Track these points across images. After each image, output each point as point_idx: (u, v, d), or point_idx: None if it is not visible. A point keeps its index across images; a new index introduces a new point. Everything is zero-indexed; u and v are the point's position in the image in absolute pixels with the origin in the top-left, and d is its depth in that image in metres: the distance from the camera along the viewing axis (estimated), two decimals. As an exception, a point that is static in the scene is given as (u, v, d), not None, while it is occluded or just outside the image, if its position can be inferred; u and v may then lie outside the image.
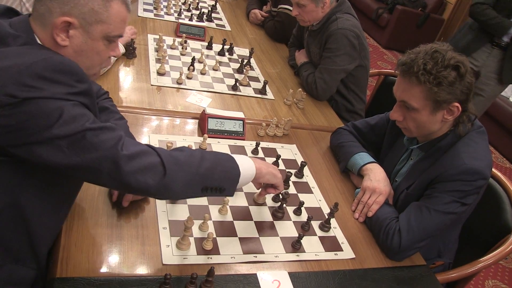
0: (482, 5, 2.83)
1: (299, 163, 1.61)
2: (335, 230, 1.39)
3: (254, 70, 2.26)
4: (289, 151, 1.71)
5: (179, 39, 2.26)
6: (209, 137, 1.59)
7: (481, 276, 2.72)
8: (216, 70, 2.13)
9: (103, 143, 0.90)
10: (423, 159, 1.47)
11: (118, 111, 1.35)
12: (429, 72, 1.27)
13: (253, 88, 2.08)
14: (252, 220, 1.33)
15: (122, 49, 1.93)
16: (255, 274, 1.15)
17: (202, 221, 1.23)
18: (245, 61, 2.23)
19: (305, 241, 1.30)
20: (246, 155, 1.59)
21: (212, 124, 1.64)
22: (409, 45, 1.55)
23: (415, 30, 5.70)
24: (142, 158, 0.95)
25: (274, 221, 1.35)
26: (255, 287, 1.12)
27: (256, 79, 2.17)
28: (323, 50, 2.16)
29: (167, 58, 2.06)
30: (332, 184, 1.60)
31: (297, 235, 1.29)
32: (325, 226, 1.37)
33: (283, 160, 1.63)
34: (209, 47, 2.32)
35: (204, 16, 2.67)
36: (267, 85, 2.09)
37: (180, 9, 2.64)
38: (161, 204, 1.27)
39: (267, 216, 1.36)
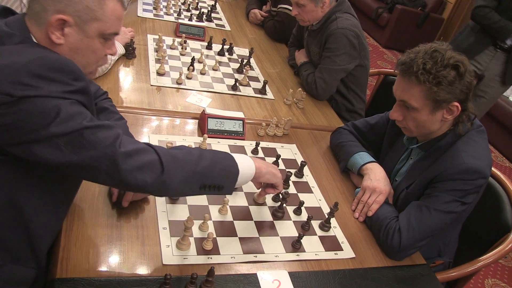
0: (484, 8, 2.81)
1: (299, 163, 1.61)
2: (335, 230, 1.39)
3: (254, 70, 2.26)
4: (289, 151, 1.71)
5: (179, 39, 2.26)
6: (209, 137, 1.59)
7: (481, 275, 2.72)
8: (216, 70, 2.13)
9: (101, 141, 0.90)
10: (423, 158, 1.47)
11: (118, 111, 1.35)
12: (428, 72, 1.27)
13: (253, 88, 2.08)
14: (252, 220, 1.33)
15: (122, 50, 1.93)
16: (255, 274, 1.15)
17: (202, 221, 1.23)
18: (245, 61, 2.23)
19: (305, 240, 1.30)
20: (246, 155, 1.59)
21: (212, 124, 1.64)
22: (409, 44, 1.55)
23: (415, 29, 5.70)
24: (140, 155, 0.95)
25: (274, 221, 1.35)
26: (255, 287, 1.12)
27: (256, 79, 2.17)
28: (323, 49, 2.16)
29: (166, 58, 2.06)
30: (332, 184, 1.60)
31: (297, 234, 1.29)
32: (325, 225, 1.37)
33: (283, 160, 1.63)
34: (209, 47, 2.32)
35: (204, 16, 2.67)
36: (267, 85, 2.09)
37: (180, 9, 2.64)
38: (161, 204, 1.27)
39: (267, 216, 1.36)
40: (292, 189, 1.50)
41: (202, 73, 2.05)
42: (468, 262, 1.48)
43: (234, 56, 2.33)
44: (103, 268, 1.05)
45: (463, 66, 1.28)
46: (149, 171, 0.95)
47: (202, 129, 1.64)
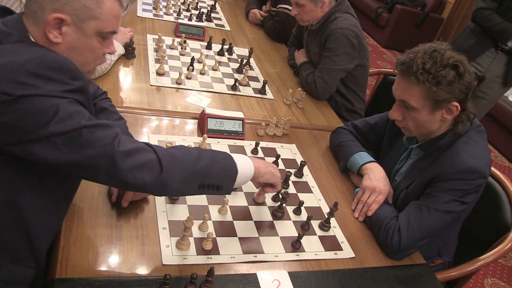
0: (486, 10, 2.79)
1: (299, 163, 1.61)
2: (335, 230, 1.39)
3: (253, 70, 2.26)
4: (288, 151, 1.71)
5: (178, 39, 2.26)
6: (208, 137, 1.59)
7: (480, 274, 2.72)
8: (216, 70, 2.13)
9: (100, 140, 0.90)
10: (422, 158, 1.47)
11: (117, 111, 1.35)
12: (428, 72, 1.27)
13: (253, 88, 2.08)
14: (251, 220, 1.33)
15: (121, 50, 1.93)
16: (255, 274, 1.15)
17: (202, 221, 1.23)
18: (245, 61, 2.23)
19: (305, 240, 1.30)
20: (246, 155, 1.59)
21: (211, 124, 1.64)
22: (409, 44, 1.55)
23: (414, 29, 5.70)
24: (139, 155, 0.95)
25: (274, 221, 1.35)
26: (255, 287, 1.12)
27: (255, 79, 2.17)
28: (323, 49, 2.16)
29: (166, 58, 2.06)
30: (332, 184, 1.60)
31: (297, 234, 1.29)
32: (325, 225, 1.38)
33: (283, 159, 1.63)
34: (209, 47, 2.32)
35: (203, 16, 2.67)
36: (266, 85, 2.09)
37: (179, 9, 2.64)
38: (160, 205, 1.27)
39: (267, 216, 1.36)
40: (291, 189, 1.50)
41: (202, 73, 2.05)
42: (467, 262, 1.49)
43: (234, 56, 2.33)
44: (103, 268, 1.05)
45: (462, 66, 1.28)
46: (148, 171, 0.95)
47: (202, 129, 1.64)
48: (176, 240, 1.16)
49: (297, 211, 1.40)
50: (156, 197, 1.28)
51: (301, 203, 1.40)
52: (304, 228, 1.35)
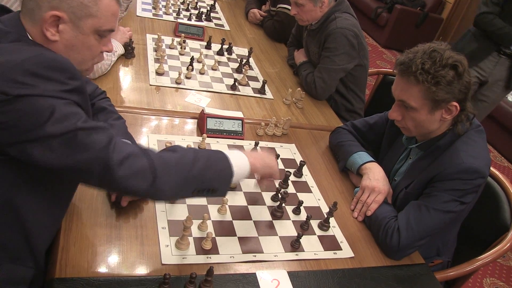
0: (488, 14, 2.78)
1: (298, 163, 1.61)
2: (334, 229, 1.39)
3: (253, 69, 2.26)
4: (288, 151, 1.71)
5: (178, 39, 2.26)
6: (208, 136, 1.59)
7: (479, 274, 2.72)
8: (215, 69, 2.13)
9: (94, 144, 0.89)
10: (422, 158, 1.47)
11: (116, 111, 1.35)
12: (427, 72, 1.27)
13: (252, 88, 2.08)
14: (251, 219, 1.33)
15: (121, 50, 1.93)
16: (255, 273, 1.15)
17: (201, 220, 1.23)
18: (244, 60, 2.23)
19: (304, 240, 1.30)
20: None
21: (211, 123, 1.64)
22: (408, 44, 1.55)
23: (414, 29, 5.70)
24: (133, 162, 0.93)
25: (273, 221, 1.35)
26: (254, 286, 1.12)
27: (255, 79, 2.17)
28: (322, 49, 2.16)
29: (166, 58, 2.06)
30: (331, 183, 1.61)
31: (296, 234, 1.29)
32: (324, 225, 1.38)
33: (282, 159, 1.63)
34: (208, 46, 2.32)
35: (203, 15, 2.67)
36: (266, 85, 2.09)
37: (179, 9, 2.64)
38: (160, 204, 1.27)
39: (266, 216, 1.36)
40: (291, 189, 1.50)
41: (201, 72, 2.05)
42: (466, 262, 1.49)
43: (233, 56, 2.33)
44: (102, 268, 1.05)
45: (461, 66, 1.28)
46: (142, 178, 0.94)
47: (201, 129, 1.64)
48: (176, 240, 1.16)
49: (297, 211, 1.40)
50: (155, 196, 1.28)
51: (301, 202, 1.40)
52: (304, 227, 1.35)
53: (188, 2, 2.77)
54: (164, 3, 2.65)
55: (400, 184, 1.50)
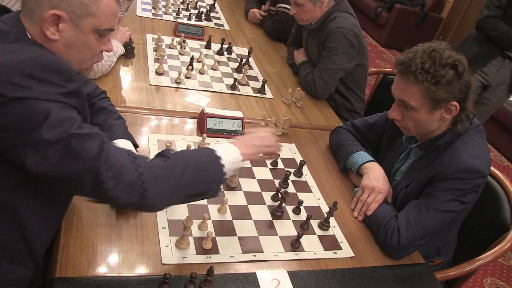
0: (491, 18, 2.75)
1: (298, 162, 1.61)
2: (334, 229, 1.39)
3: (253, 69, 2.26)
4: (288, 150, 1.71)
5: (178, 39, 2.26)
6: (208, 136, 1.59)
7: (480, 274, 2.72)
8: (215, 69, 2.13)
9: (87, 153, 0.87)
10: (422, 157, 1.47)
11: (116, 110, 1.35)
12: (427, 71, 1.27)
13: (252, 88, 2.08)
14: (251, 219, 1.33)
15: (121, 49, 1.92)
16: (255, 273, 1.15)
17: (201, 220, 1.23)
18: (244, 60, 2.23)
19: (304, 240, 1.30)
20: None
21: (211, 123, 1.64)
22: (408, 43, 1.55)
23: (413, 28, 5.70)
24: (123, 175, 0.91)
25: (273, 220, 1.35)
26: (254, 286, 1.12)
27: (255, 79, 2.17)
28: (322, 49, 2.16)
29: (165, 57, 2.06)
30: (331, 183, 1.61)
31: (296, 234, 1.29)
32: (324, 225, 1.38)
33: (282, 159, 1.63)
34: (208, 46, 2.32)
35: (203, 15, 2.66)
36: (266, 84, 2.09)
37: (179, 9, 2.64)
38: (160, 204, 1.27)
39: (266, 215, 1.36)
40: (291, 188, 1.50)
41: (201, 72, 2.05)
42: (467, 261, 1.49)
43: (233, 56, 2.33)
44: (103, 267, 1.05)
45: (461, 66, 1.28)
46: (132, 192, 0.92)
47: (201, 129, 1.64)
48: (176, 240, 1.16)
49: (297, 211, 1.40)
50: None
51: (301, 202, 1.40)
52: (304, 227, 1.35)
53: (188, 2, 2.77)
54: (164, 3, 2.65)
55: (400, 183, 1.50)
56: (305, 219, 1.36)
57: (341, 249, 1.33)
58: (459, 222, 1.56)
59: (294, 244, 1.28)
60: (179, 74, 1.92)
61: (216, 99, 1.91)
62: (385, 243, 1.35)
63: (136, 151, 1.30)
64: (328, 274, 1.22)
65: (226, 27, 2.71)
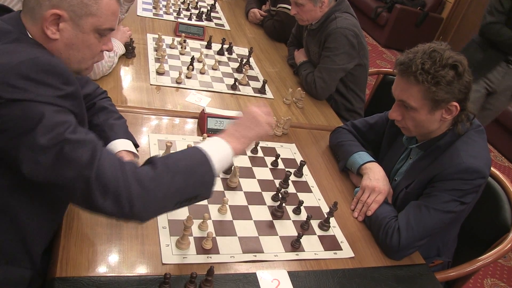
0: (495, 24, 2.72)
1: (299, 162, 1.61)
2: (335, 229, 1.39)
3: (253, 69, 2.26)
4: (288, 150, 1.71)
5: (178, 39, 2.26)
6: (208, 136, 1.59)
7: (480, 274, 2.72)
8: (216, 69, 2.13)
9: (79, 159, 0.86)
10: (422, 158, 1.47)
11: (117, 110, 1.35)
12: (427, 72, 1.27)
13: (252, 88, 2.08)
14: (251, 219, 1.33)
15: (122, 49, 1.92)
16: (255, 273, 1.16)
17: (202, 220, 1.23)
18: (244, 60, 2.23)
19: (304, 240, 1.30)
20: (245, 154, 1.60)
21: (211, 123, 1.64)
22: (408, 44, 1.56)
23: (414, 29, 5.70)
24: (111, 187, 0.88)
25: (274, 220, 1.35)
26: (254, 286, 1.12)
27: (255, 79, 2.17)
28: (322, 49, 2.16)
29: (166, 57, 2.06)
30: (332, 183, 1.61)
31: (296, 234, 1.29)
32: (325, 225, 1.38)
33: (282, 159, 1.63)
34: (208, 46, 2.32)
35: (203, 15, 2.67)
36: (266, 85, 2.09)
37: (179, 9, 2.64)
38: (160, 204, 1.27)
39: (267, 215, 1.36)
40: (291, 189, 1.50)
41: (202, 72, 2.05)
42: (467, 262, 1.49)
43: (234, 56, 2.33)
44: (103, 267, 1.05)
45: (461, 66, 1.28)
46: (120, 204, 0.89)
47: (202, 129, 1.64)
48: (176, 240, 1.16)
49: (297, 211, 1.40)
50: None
51: (301, 202, 1.40)
52: (304, 227, 1.35)
53: (188, 2, 2.77)
54: (164, 3, 2.65)
55: (400, 184, 1.50)
56: (305, 219, 1.36)
57: (341, 249, 1.33)
58: (460, 222, 1.56)
59: (294, 244, 1.28)
60: (180, 74, 1.92)
61: (217, 99, 1.91)
62: (385, 243, 1.35)
63: (137, 150, 1.30)
64: (328, 275, 1.23)
65: (227, 27, 2.71)
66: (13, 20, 0.96)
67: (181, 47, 2.19)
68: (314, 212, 1.41)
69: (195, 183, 0.99)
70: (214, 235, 1.22)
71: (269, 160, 1.60)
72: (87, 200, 0.88)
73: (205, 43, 2.34)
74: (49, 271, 1.04)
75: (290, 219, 1.38)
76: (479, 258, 1.49)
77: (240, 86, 2.05)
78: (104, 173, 0.88)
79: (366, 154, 1.61)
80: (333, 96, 2.26)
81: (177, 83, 1.91)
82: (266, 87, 2.09)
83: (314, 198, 1.50)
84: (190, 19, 2.58)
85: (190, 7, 2.75)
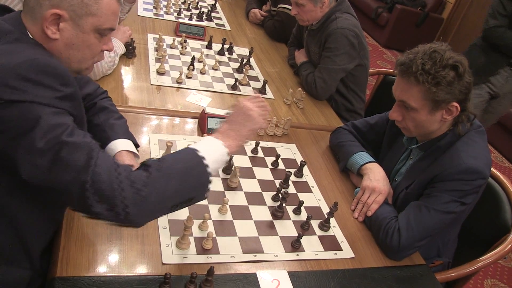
0: (499, 28, 2.71)
1: (299, 163, 1.61)
2: (335, 230, 1.39)
3: (253, 69, 2.26)
4: (288, 151, 1.71)
5: (179, 39, 2.26)
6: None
7: (480, 275, 2.72)
8: (216, 69, 2.13)
9: (75, 162, 0.85)
10: (422, 158, 1.47)
11: (117, 110, 1.34)
12: (427, 72, 1.28)
13: (253, 88, 2.08)
14: (251, 219, 1.33)
15: (123, 49, 1.92)
16: (255, 273, 1.16)
17: (202, 220, 1.23)
18: (245, 60, 2.24)
19: (304, 240, 1.30)
20: (246, 154, 1.60)
21: (211, 123, 1.64)
22: (409, 44, 1.56)
23: (414, 29, 5.70)
24: (110, 192, 0.87)
25: (274, 221, 1.35)
26: (254, 286, 1.12)
27: (255, 79, 2.17)
28: (323, 49, 2.16)
29: (166, 57, 2.06)
30: (332, 184, 1.61)
31: (296, 234, 1.29)
32: (325, 225, 1.38)
33: (283, 159, 1.63)
34: (209, 46, 2.33)
35: (204, 15, 2.67)
36: (266, 85, 2.09)
37: (180, 9, 2.64)
38: (161, 204, 1.27)
39: (267, 216, 1.36)
40: (291, 189, 1.50)
41: (202, 72, 2.05)
42: (467, 263, 1.49)
43: (234, 56, 2.33)
44: (103, 267, 1.05)
45: (462, 67, 1.28)
46: (114, 210, 0.88)
47: (202, 129, 1.64)
48: (176, 239, 1.16)
49: (297, 211, 1.40)
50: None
51: (301, 203, 1.40)
52: (304, 228, 1.35)
53: (189, 2, 2.77)
54: (165, 3, 2.65)
55: (401, 184, 1.50)
56: (305, 219, 1.36)
57: (341, 249, 1.33)
58: (460, 223, 1.56)
59: (294, 245, 1.28)
60: (180, 74, 1.92)
61: (217, 99, 1.91)
62: (386, 243, 1.35)
63: (137, 150, 1.30)
64: (328, 275, 1.23)
65: (227, 27, 2.71)
66: (13, 20, 0.96)
67: (182, 47, 2.19)
68: (314, 213, 1.41)
69: (190, 186, 0.97)
70: (214, 235, 1.22)
71: (269, 160, 1.61)
72: (83, 204, 0.87)
73: (206, 43, 2.34)
74: (49, 271, 1.04)
75: (290, 219, 1.38)
76: (479, 258, 1.48)
77: (240, 86, 2.05)
78: (99, 178, 0.87)
79: (366, 154, 1.61)
80: (334, 96, 2.26)
81: (178, 83, 1.91)
82: (267, 87, 2.09)
83: (314, 199, 1.50)
84: (190, 19, 2.58)
85: (190, 7, 2.75)
